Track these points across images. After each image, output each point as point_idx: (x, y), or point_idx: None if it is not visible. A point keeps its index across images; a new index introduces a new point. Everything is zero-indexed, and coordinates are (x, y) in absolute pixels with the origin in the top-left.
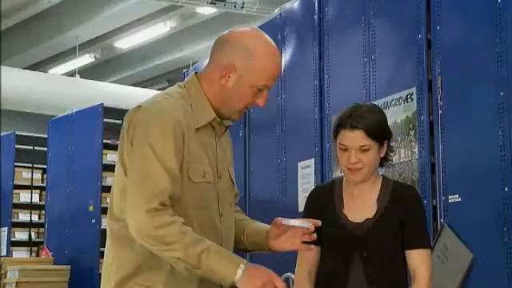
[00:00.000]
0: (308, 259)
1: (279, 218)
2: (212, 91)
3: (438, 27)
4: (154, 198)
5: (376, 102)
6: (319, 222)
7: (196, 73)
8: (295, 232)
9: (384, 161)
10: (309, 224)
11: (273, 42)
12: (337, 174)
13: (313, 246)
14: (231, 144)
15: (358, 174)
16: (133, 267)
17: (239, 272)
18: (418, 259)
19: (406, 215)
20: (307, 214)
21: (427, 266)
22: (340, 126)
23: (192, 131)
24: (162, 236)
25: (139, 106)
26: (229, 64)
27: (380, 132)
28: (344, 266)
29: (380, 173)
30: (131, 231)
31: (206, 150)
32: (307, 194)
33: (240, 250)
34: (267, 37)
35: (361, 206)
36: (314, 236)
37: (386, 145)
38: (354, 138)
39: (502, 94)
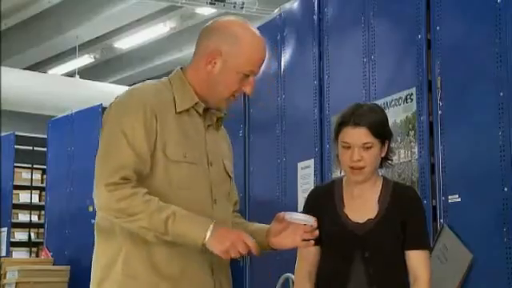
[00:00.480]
0: (308, 259)
1: (282, 213)
2: (198, 79)
3: (438, 27)
4: (114, 173)
5: (376, 102)
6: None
7: (182, 68)
8: (296, 229)
9: (384, 161)
10: (312, 220)
11: (257, 31)
12: (336, 174)
13: (312, 243)
14: (229, 141)
15: (360, 173)
16: (114, 256)
17: (208, 234)
18: (417, 260)
19: (407, 216)
20: (307, 213)
21: (426, 267)
22: (343, 123)
23: (170, 113)
24: (124, 208)
25: (116, 97)
26: (215, 49)
27: (382, 130)
28: (345, 265)
29: (380, 173)
30: (96, 208)
31: (188, 134)
32: (306, 195)
33: None
34: (252, 26)
35: (362, 206)
36: (317, 233)
37: (387, 145)
38: (358, 134)
39: (501, 94)
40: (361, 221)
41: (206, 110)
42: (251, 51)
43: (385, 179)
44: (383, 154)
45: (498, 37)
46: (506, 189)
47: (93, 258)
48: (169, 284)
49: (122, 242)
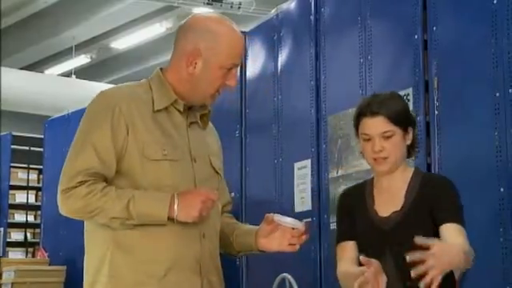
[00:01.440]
0: (348, 253)
1: (271, 214)
2: (179, 80)
3: (435, 28)
4: (72, 179)
5: None
6: (306, 225)
7: (161, 68)
8: (284, 232)
9: (411, 150)
10: (300, 224)
11: (231, 22)
12: (333, 174)
13: (297, 247)
14: (218, 138)
15: (383, 163)
16: (101, 258)
17: (175, 207)
18: (450, 232)
19: (434, 201)
20: (340, 214)
21: (462, 236)
22: (360, 114)
23: (147, 113)
24: (82, 206)
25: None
26: (194, 49)
27: (402, 117)
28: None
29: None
30: (60, 212)
31: (168, 132)
32: (302, 195)
33: (229, 253)
34: (226, 18)
35: (389, 199)
36: (303, 238)
37: (410, 132)
38: (376, 124)
39: (497, 94)
40: (386, 215)
41: (189, 108)
42: (230, 45)
43: (416, 170)
44: (408, 142)
45: (494, 37)
46: (502, 189)
47: (84, 262)
48: (154, 283)
49: (107, 244)
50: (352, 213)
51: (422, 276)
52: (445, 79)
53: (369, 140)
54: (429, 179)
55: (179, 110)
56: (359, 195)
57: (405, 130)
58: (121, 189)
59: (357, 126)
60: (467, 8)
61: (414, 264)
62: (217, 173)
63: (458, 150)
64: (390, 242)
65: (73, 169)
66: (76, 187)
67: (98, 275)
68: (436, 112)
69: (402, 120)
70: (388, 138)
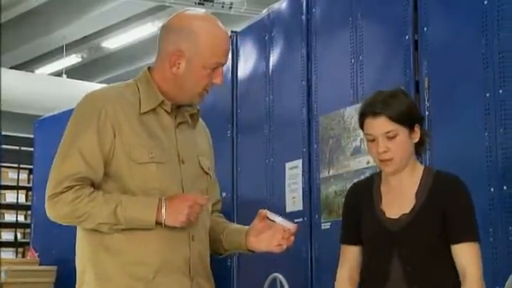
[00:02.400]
0: (349, 259)
1: (265, 210)
2: (164, 80)
3: (425, 28)
4: (59, 185)
5: None
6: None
7: (149, 67)
8: (275, 232)
9: (420, 147)
10: (292, 225)
11: (215, 19)
12: (324, 174)
13: (284, 247)
14: (209, 137)
15: (389, 164)
16: (88, 261)
17: (163, 212)
18: (462, 255)
19: (447, 207)
20: (346, 210)
21: (474, 262)
22: (363, 115)
23: (134, 115)
24: (70, 212)
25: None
26: (176, 50)
27: (405, 115)
28: (383, 264)
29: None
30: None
31: (155, 133)
32: (293, 195)
33: (217, 253)
34: (209, 16)
35: (398, 199)
36: (292, 239)
37: (417, 129)
38: (378, 124)
39: (487, 95)
40: (395, 216)
41: (178, 107)
42: (212, 44)
43: (426, 168)
44: (416, 140)
45: (484, 38)
46: (492, 189)
47: (76, 263)
48: (142, 285)
49: (94, 246)
50: (358, 211)
51: (428, 280)
52: (435, 79)
53: (373, 140)
54: (441, 181)
55: (167, 111)
56: (367, 192)
57: (410, 128)
58: (108, 193)
59: (361, 125)
60: (458, 9)
61: (420, 266)
62: (206, 173)
63: (449, 150)
64: (397, 245)
65: (59, 174)
66: (63, 192)
67: (85, 277)
68: (427, 112)
69: (406, 119)
70: (392, 138)
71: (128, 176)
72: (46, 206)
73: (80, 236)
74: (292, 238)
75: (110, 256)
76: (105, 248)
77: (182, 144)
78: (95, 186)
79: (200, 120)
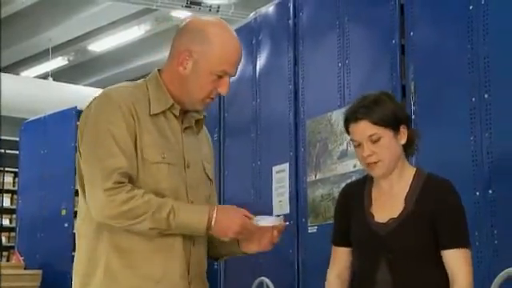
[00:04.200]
0: (340, 260)
1: (252, 220)
2: (172, 81)
3: (412, 33)
4: (108, 178)
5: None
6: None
7: (159, 69)
8: (265, 232)
9: (408, 148)
10: (279, 220)
11: (231, 30)
12: (311, 178)
13: (276, 241)
14: (211, 144)
15: (376, 168)
16: (96, 262)
17: (213, 222)
18: (452, 261)
19: (437, 212)
20: (337, 211)
21: (464, 268)
22: (346, 121)
23: (146, 115)
24: (126, 211)
25: (92, 101)
26: (185, 50)
27: (387, 118)
28: (371, 267)
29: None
30: (96, 216)
31: (165, 135)
32: (280, 199)
33: (214, 257)
34: (227, 26)
35: (388, 203)
36: (277, 236)
37: (403, 130)
38: (361, 129)
39: (473, 99)
40: (384, 220)
41: (185, 112)
42: (223, 51)
43: (417, 170)
44: (403, 141)
45: (470, 43)
46: (477, 193)
47: (74, 264)
48: (151, 285)
49: (104, 248)
50: (348, 213)
51: (415, 285)
52: (422, 84)
53: (359, 145)
54: (431, 184)
55: (175, 115)
56: (358, 194)
57: (396, 130)
58: (156, 197)
59: (347, 131)
60: (444, 13)
61: (407, 271)
62: (209, 179)
63: (435, 153)
64: (385, 249)
65: (104, 166)
66: (116, 188)
67: (91, 277)
68: (413, 116)
69: (389, 121)
70: (376, 141)
71: (140, 175)
72: (96, 201)
73: (84, 236)
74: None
75: (118, 257)
76: (114, 248)
77: (188, 148)
78: (132, 181)
79: (203, 127)
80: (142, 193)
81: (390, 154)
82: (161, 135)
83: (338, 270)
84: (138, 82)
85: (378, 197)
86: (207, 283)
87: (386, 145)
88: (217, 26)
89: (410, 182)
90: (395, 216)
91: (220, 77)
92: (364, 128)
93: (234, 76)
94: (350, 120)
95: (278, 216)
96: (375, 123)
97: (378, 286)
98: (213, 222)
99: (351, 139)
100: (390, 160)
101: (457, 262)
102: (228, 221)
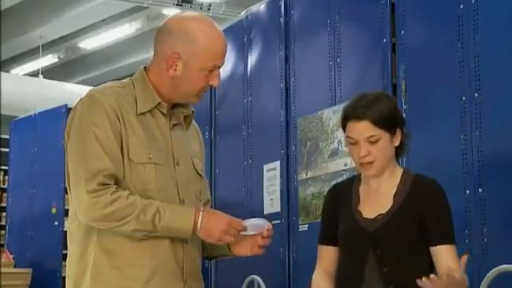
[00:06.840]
0: (326, 259)
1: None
2: (161, 82)
3: (403, 32)
4: (92, 180)
5: (341, 105)
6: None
7: (145, 67)
8: (254, 238)
9: (400, 150)
10: (265, 224)
11: (212, 21)
12: (302, 176)
13: (266, 244)
14: (201, 139)
15: (370, 168)
16: (85, 263)
17: (198, 225)
18: (443, 257)
19: (424, 210)
20: (325, 211)
21: (455, 261)
22: (346, 118)
23: (132, 115)
24: (110, 213)
25: (77, 102)
26: (172, 54)
27: (388, 120)
28: (359, 264)
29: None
30: (81, 218)
31: (153, 134)
32: (271, 197)
33: (207, 257)
34: (206, 18)
35: (376, 201)
36: (267, 241)
37: (398, 133)
38: (361, 129)
39: (463, 98)
40: (372, 217)
41: (173, 107)
42: (209, 46)
43: (405, 171)
44: (396, 143)
45: (460, 42)
46: (468, 191)
47: (66, 264)
48: (138, 287)
49: (91, 247)
50: (336, 212)
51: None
52: (412, 82)
53: (355, 144)
54: (419, 184)
55: (162, 112)
56: (346, 193)
57: (392, 133)
58: (141, 199)
59: (343, 127)
60: (434, 13)
61: (396, 267)
62: (199, 175)
63: (425, 152)
64: (373, 245)
65: (88, 168)
66: (100, 190)
67: (81, 278)
68: (404, 115)
69: (389, 123)
70: (374, 142)
71: (127, 175)
72: (80, 202)
73: (74, 236)
74: (267, 240)
75: (106, 257)
76: (101, 249)
77: (177, 146)
78: (118, 183)
79: (193, 121)
80: (127, 194)
81: (384, 155)
82: (148, 135)
83: (324, 269)
84: (124, 80)
85: (366, 195)
86: (202, 281)
87: (383, 146)
88: (197, 22)
89: (397, 182)
90: (384, 212)
91: (211, 71)
92: (364, 128)
93: (222, 66)
94: (349, 118)
95: (262, 218)
96: (376, 125)
97: (365, 283)
98: (198, 226)
99: (347, 136)
100: (383, 161)
101: (446, 257)
102: (211, 227)
